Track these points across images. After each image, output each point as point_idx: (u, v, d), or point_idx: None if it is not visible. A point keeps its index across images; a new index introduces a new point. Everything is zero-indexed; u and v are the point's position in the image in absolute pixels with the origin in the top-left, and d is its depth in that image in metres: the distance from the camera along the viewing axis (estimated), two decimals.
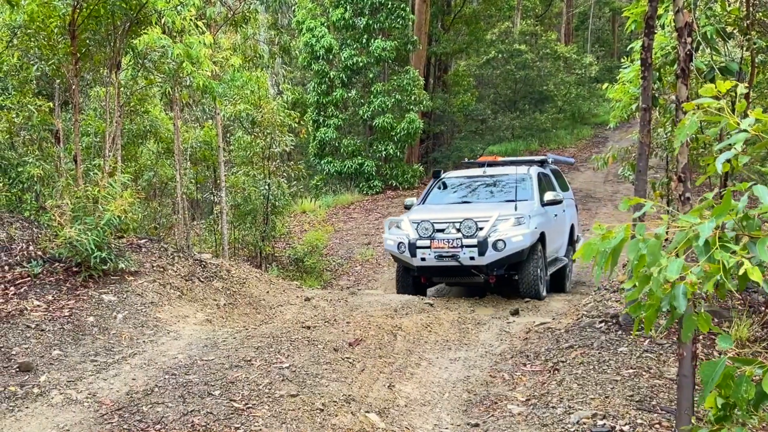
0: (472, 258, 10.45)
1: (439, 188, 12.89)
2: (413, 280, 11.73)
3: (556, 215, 12.24)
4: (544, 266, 11.35)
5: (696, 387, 4.17)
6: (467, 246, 10.45)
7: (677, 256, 2.42)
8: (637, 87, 7.34)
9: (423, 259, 10.72)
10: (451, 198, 12.47)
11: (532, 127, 31.52)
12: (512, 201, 11.26)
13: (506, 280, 11.18)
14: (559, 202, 11.78)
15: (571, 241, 13.65)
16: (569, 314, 8.48)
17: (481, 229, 10.51)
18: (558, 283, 12.68)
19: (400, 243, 10.94)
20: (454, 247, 10.50)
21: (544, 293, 11.08)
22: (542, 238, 11.16)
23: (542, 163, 13.07)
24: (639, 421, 4.80)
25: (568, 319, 7.88)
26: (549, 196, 11.60)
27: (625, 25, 7.91)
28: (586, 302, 8.03)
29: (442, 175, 13.28)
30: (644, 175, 6.26)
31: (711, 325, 2.64)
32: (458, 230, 10.64)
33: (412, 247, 10.71)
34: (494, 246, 10.36)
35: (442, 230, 10.75)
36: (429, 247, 10.63)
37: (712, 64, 6.69)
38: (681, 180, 4.43)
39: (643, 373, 5.64)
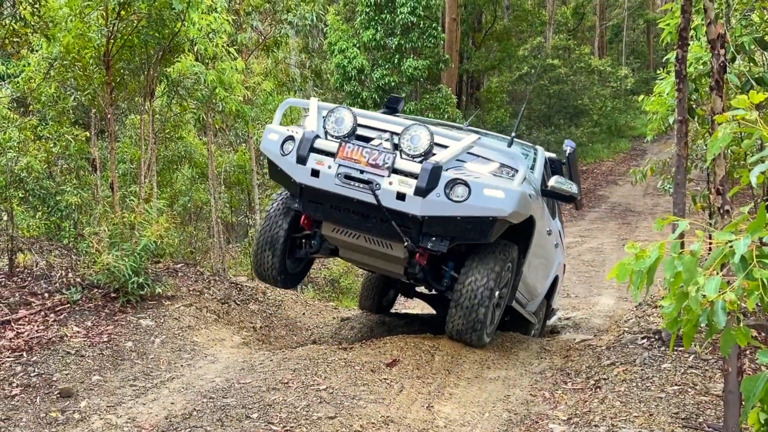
0: (400, 197, 5.85)
1: None
2: (288, 228, 7.12)
3: (549, 232, 8.06)
4: (504, 300, 7.10)
5: (743, 403, 4.06)
6: (400, 172, 5.91)
7: (715, 273, 2.36)
8: (674, 98, 7.23)
9: (315, 174, 6.11)
10: None
11: None
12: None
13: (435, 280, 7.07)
14: (571, 199, 6.91)
15: (549, 295, 9.38)
16: (610, 331, 8.31)
17: (434, 154, 5.97)
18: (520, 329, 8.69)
19: (286, 139, 6.43)
20: (375, 166, 5.90)
21: (487, 339, 7.02)
22: (526, 238, 7.00)
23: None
24: None
25: (609, 335, 7.73)
26: (555, 181, 6.80)
27: (661, 36, 7.81)
28: (627, 318, 7.87)
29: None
30: (682, 188, 6.15)
31: (750, 339, 2.57)
32: (395, 145, 6.10)
33: (305, 148, 6.14)
34: (448, 189, 5.80)
35: (367, 138, 6.30)
36: (334, 155, 6.07)
37: (747, 75, 6.56)
38: (719, 192, 4.33)
39: (689, 389, 5.50)
